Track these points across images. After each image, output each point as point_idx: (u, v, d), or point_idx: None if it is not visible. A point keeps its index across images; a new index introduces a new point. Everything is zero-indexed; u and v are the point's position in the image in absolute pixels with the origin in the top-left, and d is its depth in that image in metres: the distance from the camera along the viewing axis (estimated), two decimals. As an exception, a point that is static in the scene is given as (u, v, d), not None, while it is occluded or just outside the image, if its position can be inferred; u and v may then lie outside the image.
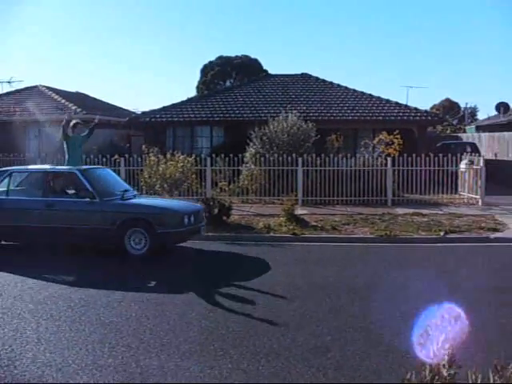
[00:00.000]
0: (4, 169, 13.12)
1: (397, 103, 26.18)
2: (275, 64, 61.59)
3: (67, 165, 12.76)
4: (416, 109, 26.03)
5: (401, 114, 24.95)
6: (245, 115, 25.14)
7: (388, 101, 26.23)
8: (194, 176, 18.10)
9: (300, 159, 18.40)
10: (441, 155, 18.94)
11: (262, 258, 11.02)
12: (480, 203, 18.62)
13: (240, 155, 19.19)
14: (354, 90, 27.42)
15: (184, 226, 11.18)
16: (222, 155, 19.06)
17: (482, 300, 8.08)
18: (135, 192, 12.87)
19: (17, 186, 12.49)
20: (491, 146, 30.16)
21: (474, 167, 19.32)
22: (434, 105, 77.68)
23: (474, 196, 19.20)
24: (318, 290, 8.60)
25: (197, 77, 53.61)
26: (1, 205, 11.82)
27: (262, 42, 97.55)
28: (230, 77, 52.04)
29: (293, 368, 5.56)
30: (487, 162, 20.13)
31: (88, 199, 11.26)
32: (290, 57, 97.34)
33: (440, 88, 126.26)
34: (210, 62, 52.69)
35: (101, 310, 7.47)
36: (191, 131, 25.75)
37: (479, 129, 39.95)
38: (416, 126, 24.59)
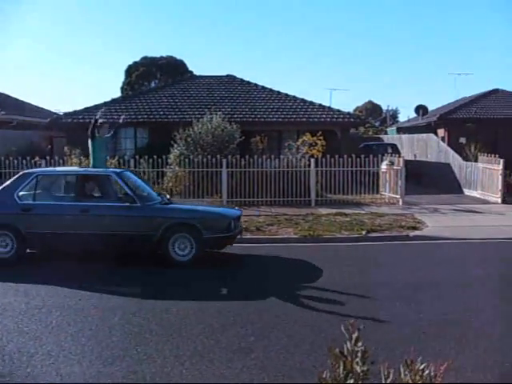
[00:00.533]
0: (29, 171, 12.11)
1: (320, 105, 26.55)
2: (201, 65, 62.01)
3: (93, 167, 12.21)
4: (339, 111, 26.49)
5: (324, 116, 25.33)
6: (169, 116, 24.95)
7: (312, 103, 26.58)
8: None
9: (224, 160, 18.43)
10: (363, 156, 19.37)
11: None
12: (400, 203, 19.15)
13: (164, 157, 19.04)
14: (279, 92, 27.65)
15: (231, 231, 10.85)
16: (146, 157, 18.88)
17: (399, 296, 8.33)
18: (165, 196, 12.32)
19: (44, 190, 11.59)
20: (411, 146, 31.07)
21: (395, 168, 19.85)
22: (358, 107, 79.42)
23: (394, 196, 19.72)
24: (234, 291, 8.66)
25: (121, 77, 52.98)
26: (28, 211, 10.74)
27: (188, 43, 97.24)
28: (154, 77, 51.58)
29: (216, 369, 5.57)
30: (407, 162, 20.72)
31: (127, 204, 10.65)
32: (215, 58, 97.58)
33: (363, 91, 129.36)
34: (135, 63, 52.07)
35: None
36: (114, 133, 25.25)
37: (400, 130, 41.05)
38: (339, 128, 25.01)
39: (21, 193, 10.90)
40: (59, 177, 12.23)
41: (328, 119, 25.07)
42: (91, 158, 12.50)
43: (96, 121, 12.63)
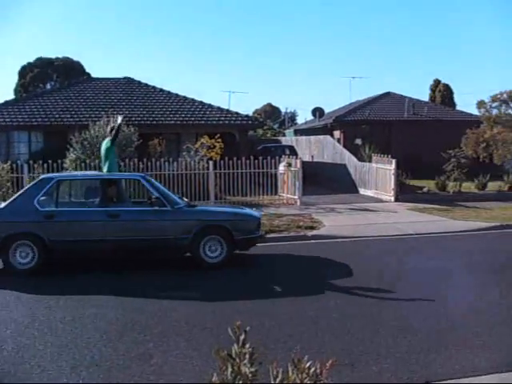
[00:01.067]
0: (48, 176, 11.46)
1: (219, 108, 26.69)
2: (98, 67, 60.45)
3: (109, 171, 11.75)
4: (237, 113, 26.73)
5: (222, 119, 25.50)
6: (65, 119, 24.33)
7: (210, 105, 26.69)
8: (9, 184, 17.21)
9: (122, 164, 18.15)
10: (261, 158, 19.62)
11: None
12: (298, 203, 19.53)
13: (60, 161, 18.52)
14: (177, 95, 27.57)
15: (259, 232, 11.11)
16: (41, 162, 18.29)
17: (289, 295, 8.56)
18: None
19: (66, 196, 11.24)
20: (308, 148, 31.74)
21: (292, 169, 20.23)
22: (257, 109, 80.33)
23: (292, 196, 20.10)
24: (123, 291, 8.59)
25: (15, 79, 51.10)
26: (51, 218, 10.09)
27: (84, 45, 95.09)
28: (50, 79, 50.13)
29: (114, 378, 5.50)
30: (304, 163, 21.19)
31: (158, 207, 10.36)
32: (113, 61, 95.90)
33: (262, 94, 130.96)
34: (29, 64, 50.37)
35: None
36: (7, 137, 24.45)
37: (297, 132, 41.83)
38: (237, 130, 25.26)
39: (41, 199, 10.27)
40: (82, 181, 11.92)
41: (226, 122, 25.26)
42: (107, 162, 12.02)
43: (120, 125, 12.56)
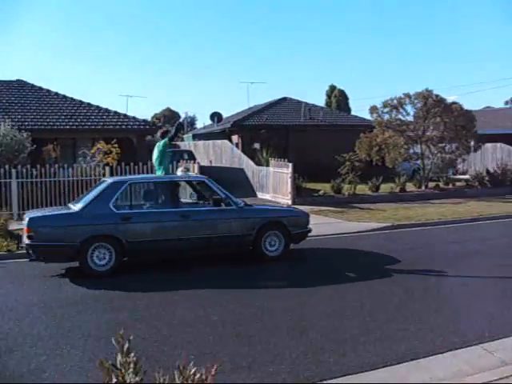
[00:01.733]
0: (120, 179, 11.91)
1: (116, 112, 26.25)
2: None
3: (164, 173, 12.41)
4: (134, 118, 26.40)
5: (119, 123, 25.10)
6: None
7: (107, 110, 26.21)
8: None
9: (14, 171, 17.51)
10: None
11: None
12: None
13: None
14: (72, 99, 26.84)
15: (308, 227, 12.40)
16: None
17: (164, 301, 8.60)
18: None
19: (138, 198, 11.91)
20: (207, 153, 31.78)
21: (190, 174, 20.15)
22: (156, 114, 79.67)
23: (190, 201, 20.04)
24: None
25: None
26: (128, 220, 10.59)
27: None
28: None
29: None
30: (203, 168, 21.21)
31: (224, 207, 11.34)
32: (3, 62, 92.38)
33: (161, 98, 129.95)
34: None
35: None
36: None
37: (196, 137, 41.83)
38: (135, 135, 24.94)
39: (116, 202, 10.77)
40: (151, 184, 12.38)
41: (123, 126, 24.90)
42: (162, 164, 12.63)
43: (178, 128, 13.72)
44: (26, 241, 10.23)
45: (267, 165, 23.68)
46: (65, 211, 11.09)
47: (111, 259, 10.34)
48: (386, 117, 26.46)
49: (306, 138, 32.45)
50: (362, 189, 23.61)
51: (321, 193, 22.69)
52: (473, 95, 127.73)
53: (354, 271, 10.70)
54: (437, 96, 25.67)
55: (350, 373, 5.74)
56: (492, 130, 39.37)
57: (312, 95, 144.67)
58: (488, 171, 27.91)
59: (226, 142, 30.23)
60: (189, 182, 13.20)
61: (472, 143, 27.03)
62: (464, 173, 32.24)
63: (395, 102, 26.08)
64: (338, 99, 53.88)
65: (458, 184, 27.19)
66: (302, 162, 24.01)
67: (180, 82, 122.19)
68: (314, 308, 8.20)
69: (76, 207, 10.80)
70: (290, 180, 20.99)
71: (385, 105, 26.26)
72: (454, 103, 26.68)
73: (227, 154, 28.79)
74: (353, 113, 47.89)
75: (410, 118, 26.47)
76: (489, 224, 17.41)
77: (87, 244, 10.18)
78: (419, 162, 26.96)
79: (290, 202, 20.62)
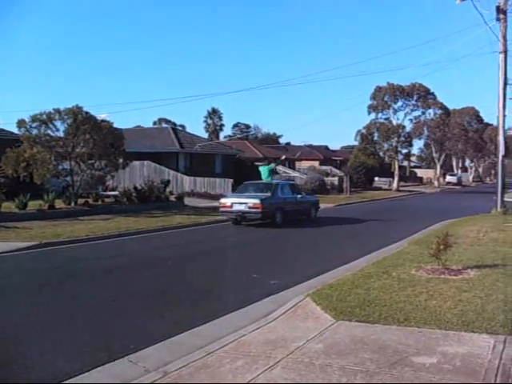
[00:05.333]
0: (280, 181, 27.53)
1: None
2: None
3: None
4: None
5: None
6: None
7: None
8: None
9: None
10: None
11: None
12: None
13: None
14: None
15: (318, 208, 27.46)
16: None
17: None
18: None
19: (283, 190, 24.25)
20: None
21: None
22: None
23: None
24: None
25: None
26: (285, 200, 23.77)
27: None
28: None
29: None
30: None
31: (302, 195, 25.77)
32: None
33: None
34: None
35: None
36: None
37: None
38: None
39: (280, 192, 23.91)
40: (287, 184, 26.26)
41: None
42: (271, 177, 26.29)
43: (281, 162, 33.02)
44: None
45: None
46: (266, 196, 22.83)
47: (281, 217, 22.83)
48: (35, 131, 25.69)
49: None
50: (8, 206, 22.48)
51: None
52: (124, 114, 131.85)
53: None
54: (87, 113, 25.91)
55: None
56: (141, 148, 41.31)
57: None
58: (136, 188, 29.01)
59: None
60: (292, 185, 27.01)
61: (121, 160, 27.77)
62: (114, 189, 33.08)
63: (44, 116, 25.50)
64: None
65: (107, 200, 27.75)
66: None
67: None
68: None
69: (263, 196, 22.57)
70: None
71: (34, 119, 25.50)
72: (103, 121, 27.21)
73: None
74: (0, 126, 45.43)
75: (61, 134, 26.10)
76: (135, 238, 18.20)
77: (274, 210, 22.67)
78: (69, 178, 26.79)
79: None
